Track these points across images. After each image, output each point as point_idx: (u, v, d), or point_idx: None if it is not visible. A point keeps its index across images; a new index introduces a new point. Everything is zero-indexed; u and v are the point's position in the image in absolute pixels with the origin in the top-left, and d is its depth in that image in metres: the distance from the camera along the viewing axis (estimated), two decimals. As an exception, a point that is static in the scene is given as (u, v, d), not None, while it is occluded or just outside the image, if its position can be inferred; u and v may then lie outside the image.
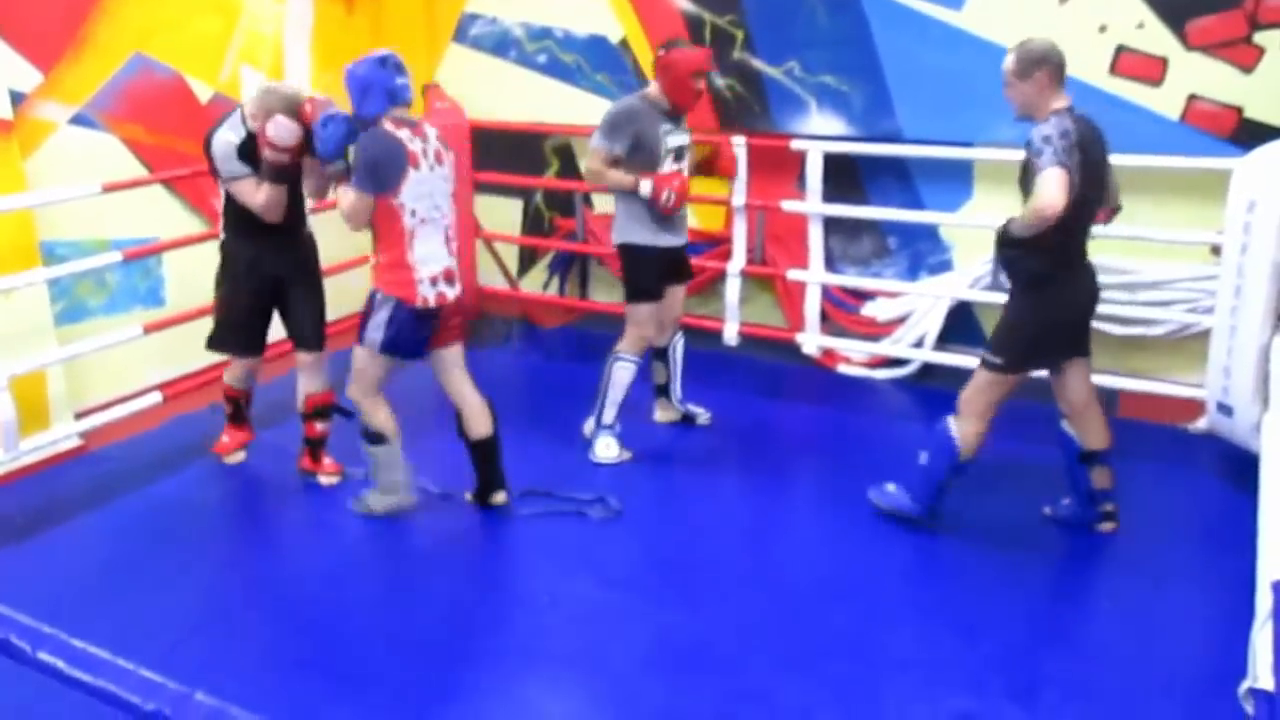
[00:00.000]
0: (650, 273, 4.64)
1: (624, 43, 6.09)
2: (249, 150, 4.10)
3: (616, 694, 3.16)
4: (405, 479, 4.13)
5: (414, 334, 3.93)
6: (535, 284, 6.84)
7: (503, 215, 6.81)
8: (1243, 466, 4.19)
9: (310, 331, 4.44)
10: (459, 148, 6.47)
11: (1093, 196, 3.59)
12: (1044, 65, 3.56)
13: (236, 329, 4.41)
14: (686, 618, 3.52)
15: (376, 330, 3.90)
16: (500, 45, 6.45)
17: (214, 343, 4.50)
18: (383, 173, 3.74)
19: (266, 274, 4.31)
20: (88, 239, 5.02)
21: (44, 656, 1.74)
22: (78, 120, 4.98)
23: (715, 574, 3.82)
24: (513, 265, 6.94)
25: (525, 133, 6.47)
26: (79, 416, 4.86)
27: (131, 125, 5.21)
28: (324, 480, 4.51)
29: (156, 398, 4.89)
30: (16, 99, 4.65)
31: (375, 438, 4.05)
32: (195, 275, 5.48)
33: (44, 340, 4.71)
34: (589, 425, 4.79)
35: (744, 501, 4.47)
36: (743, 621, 3.49)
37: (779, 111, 5.79)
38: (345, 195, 3.83)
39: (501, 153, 6.50)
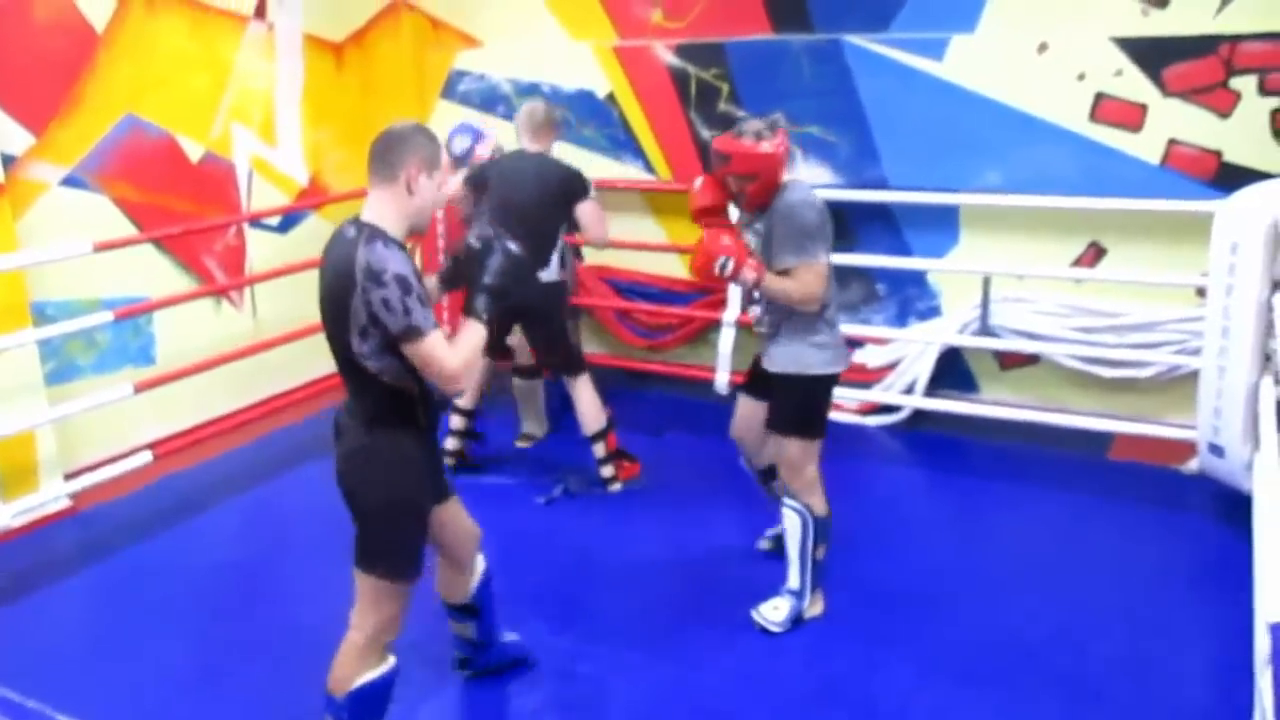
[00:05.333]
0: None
1: (611, 97, 6.16)
2: None
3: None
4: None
5: None
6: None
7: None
8: (1236, 507, 4.20)
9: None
10: (447, 205, 6.53)
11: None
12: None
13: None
14: (686, 671, 3.49)
15: None
16: (489, 100, 6.52)
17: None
18: None
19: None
20: (78, 298, 5.02)
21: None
22: (69, 181, 5.00)
23: (713, 622, 3.78)
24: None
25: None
26: (69, 477, 4.83)
27: (122, 185, 5.24)
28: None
29: (147, 457, 4.86)
30: (8, 161, 4.67)
31: None
32: (185, 333, 5.51)
33: (34, 400, 4.68)
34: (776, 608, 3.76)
35: (741, 552, 4.45)
36: (745, 671, 3.46)
37: (765, 162, 5.83)
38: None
39: (491, 206, 6.53)
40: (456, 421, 5.01)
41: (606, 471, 4.85)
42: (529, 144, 4.77)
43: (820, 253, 3.44)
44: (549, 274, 4.71)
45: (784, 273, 3.46)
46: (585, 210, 4.65)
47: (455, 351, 2.61)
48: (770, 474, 3.96)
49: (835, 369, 3.62)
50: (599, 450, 4.85)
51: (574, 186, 4.65)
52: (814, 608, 3.76)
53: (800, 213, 3.45)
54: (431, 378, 2.62)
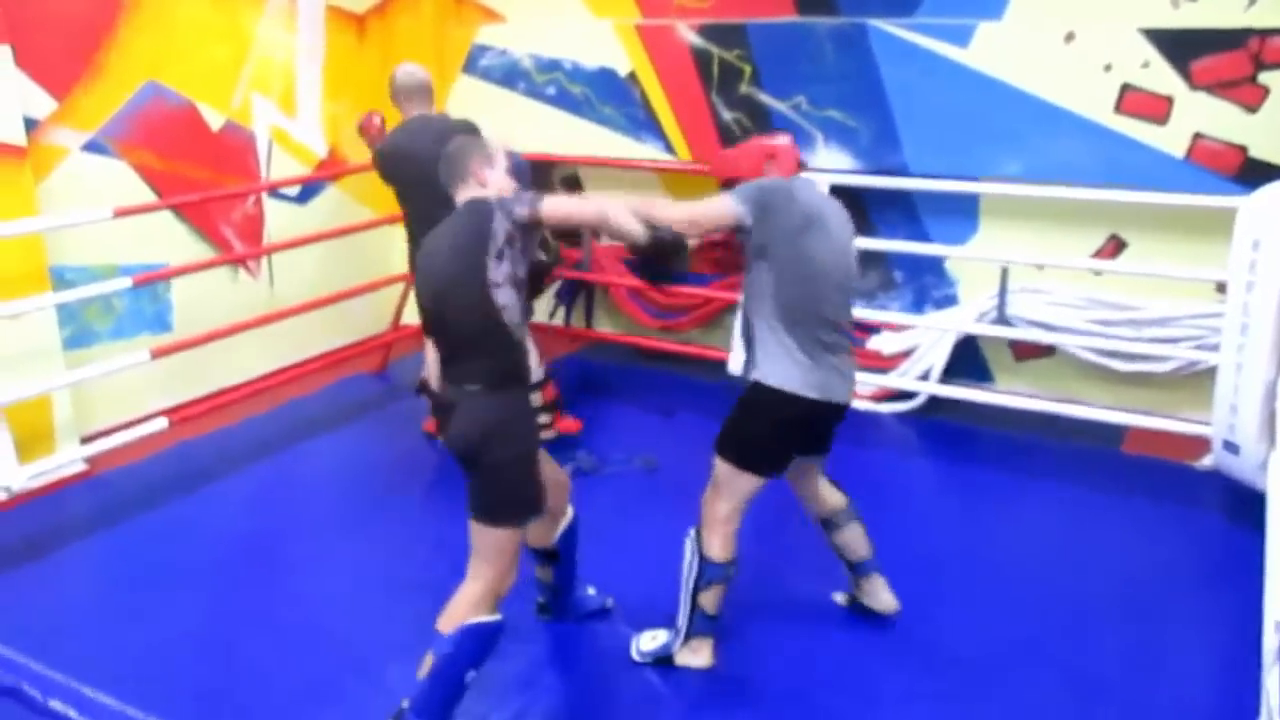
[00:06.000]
0: None
1: (632, 76, 6.14)
2: None
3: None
4: None
5: None
6: (542, 312, 6.85)
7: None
8: (1249, 504, 4.19)
9: None
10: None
11: None
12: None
13: None
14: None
15: None
16: (509, 76, 6.50)
17: None
18: None
19: None
20: (96, 264, 5.04)
21: (55, 705, 1.73)
22: (90, 147, 5.02)
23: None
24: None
25: (533, 163, 6.50)
26: (85, 441, 4.87)
27: (143, 152, 5.25)
28: None
29: (163, 423, 4.89)
30: (30, 125, 4.68)
31: None
32: (203, 301, 5.53)
33: (51, 364, 4.71)
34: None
35: (753, 540, 4.45)
36: (754, 660, 3.47)
37: (786, 145, 5.81)
38: None
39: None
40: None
41: (542, 419, 4.74)
42: (422, 107, 4.65)
43: (736, 198, 3.12)
44: None
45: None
46: None
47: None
48: (828, 525, 3.53)
49: (796, 391, 3.12)
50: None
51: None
52: (695, 656, 3.34)
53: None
54: (583, 221, 3.27)
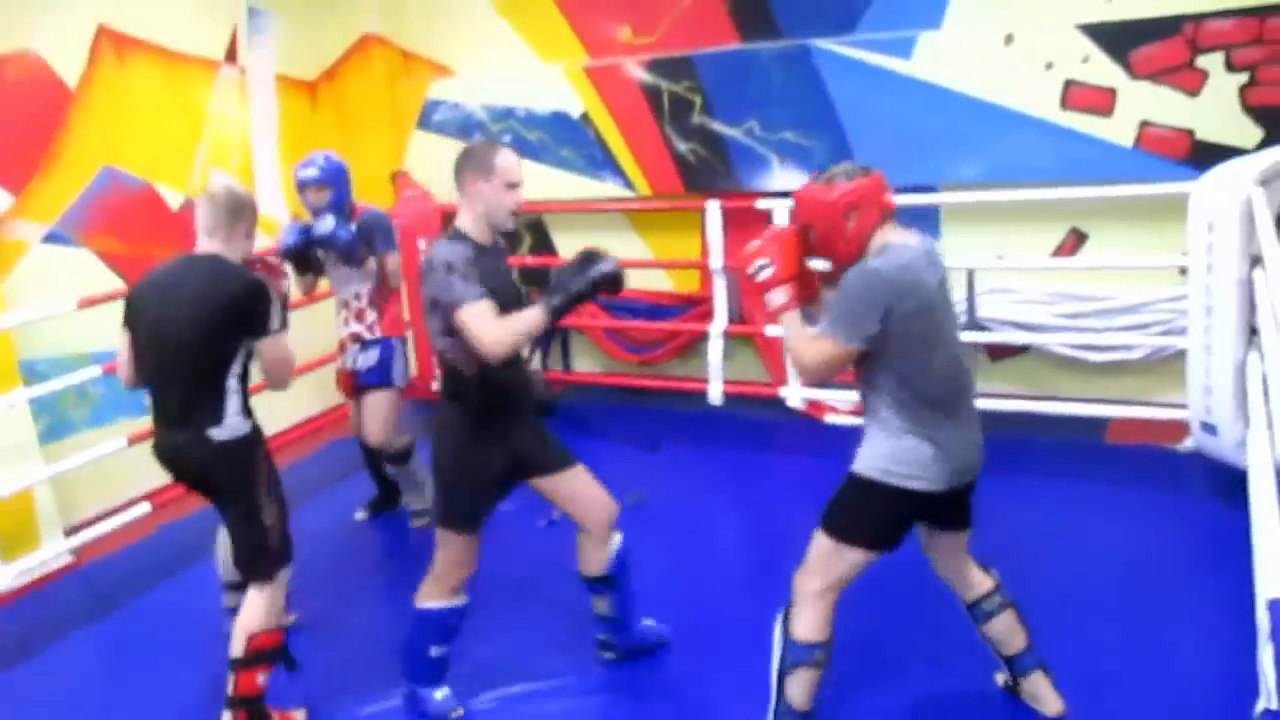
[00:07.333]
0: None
1: (585, 116, 6.19)
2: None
3: None
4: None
5: None
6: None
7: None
8: (1232, 484, 4.21)
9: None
10: (431, 233, 6.55)
11: None
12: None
13: None
14: (693, 665, 3.49)
15: None
16: (464, 128, 6.55)
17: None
18: None
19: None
20: (68, 353, 5.03)
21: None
22: (51, 238, 5.02)
23: (717, 629, 3.78)
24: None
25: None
26: (69, 532, 4.83)
27: (104, 238, 5.26)
28: None
29: (146, 508, 4.86)
30: (-12, 222, 4.69)
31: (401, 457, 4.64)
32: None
33: (29, 459, 4.69)
34: None
35: (742, 556, 4.46)
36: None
37: (743, 170, 5.87)
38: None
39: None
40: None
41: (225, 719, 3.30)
42: (203, 243, 3.29)
43: (846, 335, 2.72)
44: (224, 430, 3.20)
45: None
46: (265, 350, 3.29)
47: (500, 325, 2.99)
48: (973, 609, 3.12)
49: (902, 482, 2.79)
50: (225, 687, 3.30)
51: (253, 311, 3.21)
52: None
53: (853, 281, 2.75)
54: (474, 346, 3.00)
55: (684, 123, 5.95)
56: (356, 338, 4.64)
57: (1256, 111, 4.75)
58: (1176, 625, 3.57)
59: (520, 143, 6.39)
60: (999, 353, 5.64)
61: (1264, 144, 4.67)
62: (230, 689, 3.25)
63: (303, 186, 4.48)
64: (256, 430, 3.32)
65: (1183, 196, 4.49)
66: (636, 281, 6.28)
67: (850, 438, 5.35)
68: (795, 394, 5.77)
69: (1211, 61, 4.78)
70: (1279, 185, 4.11)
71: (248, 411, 3.29)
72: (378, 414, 4.60)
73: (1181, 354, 4.83)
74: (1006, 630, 3.08)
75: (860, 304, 2.71)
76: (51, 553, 4.65)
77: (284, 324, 3.31)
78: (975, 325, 5.38)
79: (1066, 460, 4.94)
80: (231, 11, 5.95)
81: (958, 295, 5.38)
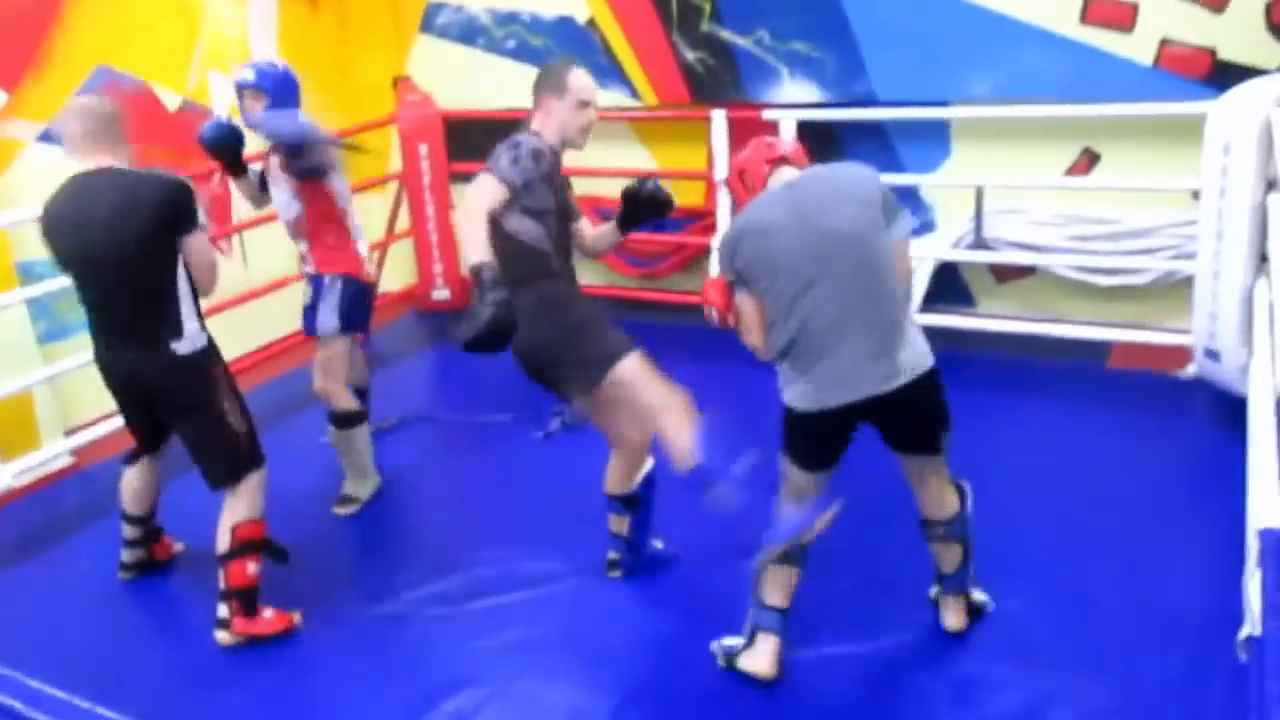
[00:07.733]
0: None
1: (591, 22, 6.03)
2: None
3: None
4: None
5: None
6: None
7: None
8: (1234, 411, 4.19)
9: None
10: (433, 139, 6.45)
11: None
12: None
13: None
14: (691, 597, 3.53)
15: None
16: (467, 33, 6.39)
17: None
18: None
19: None
20: (65, 256, 4.99)
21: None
22: (46, 137, 4.94)
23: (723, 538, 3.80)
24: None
25: (498, 120, 6.41)
26: (69, 433, 4.85)
27: (100, 138, 5.17)
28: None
29: (145, 410, 4.86)
30: (-19, 120, 4.62)
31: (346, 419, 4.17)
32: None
33: (29, 360, 4.69)
34: None
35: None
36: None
37: (751, 81, 5.74)
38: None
39: (475, 141, 6.42)
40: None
41: (221, 612, 3.43)
42: (89, 157, 3.29)
43: (724, 270, 3.07)
44: (185, 344, 3.27)
45: None
46: (194, 247, 3.25)
47: (477, 221, 2.84)
48: (921, 525, 3.26)
49: (795, 404, 3.01)
50: (223, 579, 3.42)
51: (184, 205, 3.21)
52: (754, 660, 3.07)
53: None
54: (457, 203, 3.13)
55: (692, 31, 5.79)
56: (304, 273, 4.25)
57: (1281, 30, 4.61)
58: (1169, 551, 3.58)
59: (524, 49, 6.24)
60: (1006, 274, 5.58)
61: (1287, 64, 4.55)
62: (223, 582, 3.36)
63: (239, 90, 4.01)
64: (212, 341, 3.35)
65: (1200, 118, 4.39)
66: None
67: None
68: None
69: (1239, -24, 4.63)
70: (1299, 107, 4.01)
71: (201, 319, 3.30)
72: (317, 360, 4.19)
73: (1188, 280, 4.77)
74: (943, 552, 3.26)
75: (722, 250, 3.07)
76: (51, 453, 4.68)
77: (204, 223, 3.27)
78: (981, 245, 5.31)
79: (1068, 383, 4.92)
80: (229, -95, 5.78)
81: (966, 213, 5.31)
